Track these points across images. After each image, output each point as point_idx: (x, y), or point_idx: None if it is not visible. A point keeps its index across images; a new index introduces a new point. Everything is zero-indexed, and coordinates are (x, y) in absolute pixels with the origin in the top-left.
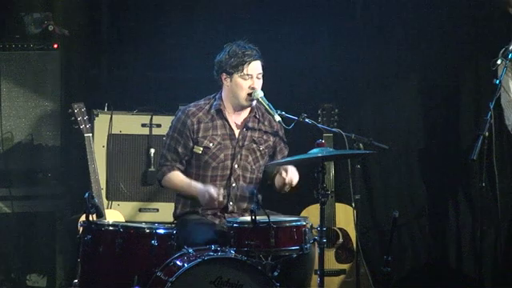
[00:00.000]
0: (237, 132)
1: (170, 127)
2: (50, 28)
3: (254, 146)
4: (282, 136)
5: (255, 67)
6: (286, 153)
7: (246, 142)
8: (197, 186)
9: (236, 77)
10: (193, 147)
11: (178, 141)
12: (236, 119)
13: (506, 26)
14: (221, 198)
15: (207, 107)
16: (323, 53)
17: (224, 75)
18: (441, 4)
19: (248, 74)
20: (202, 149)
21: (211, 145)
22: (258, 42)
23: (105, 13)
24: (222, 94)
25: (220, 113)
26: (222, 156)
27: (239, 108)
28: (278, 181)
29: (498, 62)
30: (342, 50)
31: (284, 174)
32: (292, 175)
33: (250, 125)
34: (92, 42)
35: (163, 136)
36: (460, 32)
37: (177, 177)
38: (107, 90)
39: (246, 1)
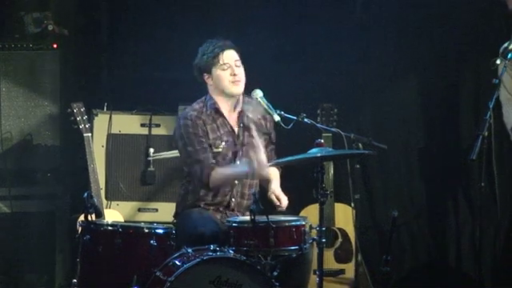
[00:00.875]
0: (235, 128)
1: (181, 138)
2: (50, 28)
3: (253, 140)
4: (273, 130)
5: (230, 55)
6: (273, 146)
7: (245, 139)
8: (240, 168)
9: (215, 70)
10: (210, 146)
11: (200, 141)
12: (231, 115)
13: (506, 25)
14: (264, 158)
15: (204, 109)
16: (323, 53)
17: (205, 75)
18: (441, 4)
19: (225, 63)
20: (221, 148)
21: (223, 144)
22: (258, 42)
23: (104, 12)
24: (211, 94)
25: (218, 111)
26: (230, 154)
27: (230, 101)
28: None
29: (498, 61)
30: (342, 49)
31: (277, 201)
32: (284, 203)
33: (245, 120)
34: (91, 42)
35: (162, 136)
36: (460, 32)
37: (220, 172)
38: (106, 89)
39: (246, 1)
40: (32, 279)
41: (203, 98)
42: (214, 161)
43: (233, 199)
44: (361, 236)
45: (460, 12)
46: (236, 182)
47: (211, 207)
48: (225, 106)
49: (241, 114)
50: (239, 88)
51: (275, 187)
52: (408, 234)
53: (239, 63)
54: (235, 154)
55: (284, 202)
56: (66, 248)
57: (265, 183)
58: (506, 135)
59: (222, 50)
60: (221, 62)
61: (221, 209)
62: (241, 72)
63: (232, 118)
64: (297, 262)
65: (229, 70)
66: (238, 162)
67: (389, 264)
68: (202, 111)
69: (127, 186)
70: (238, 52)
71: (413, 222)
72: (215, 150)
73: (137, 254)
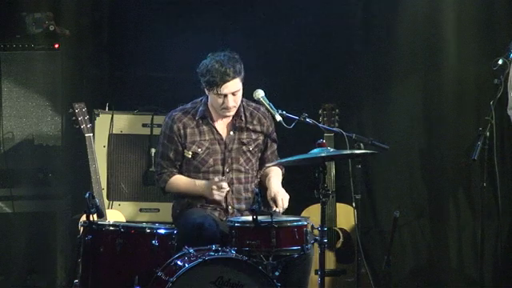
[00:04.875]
0: (224, 136)
1: (160, 134)
2: (51, 28)
3: (244, 147)
4: (272, 132)
5: (230, 87)
6: (275, 147)
7: (234, 146)
8: (201, 182)
9: (212, 93)
10: (183, 151)
11: (168, 147)
12: (221, 123)
13: (507, 25)
14: (225, 185)
15: (193, 112)
16: (324, 53)
17: (204, 85)
18: (440, 4)
19: (221, 94)
20: (191, 153)
21: (199, 150)
22: (258, 42)
23: (105, 13)
24: (208, 99)
25: (205, 119)
26: (211, 161)
27: (222, 116)
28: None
29: (500, 62)
30: (343, 49)
31: (273, 204)
32: (284, 203)
33: (237, 126)
34: (93, 42)
35: None
36: (460, 31)
37: (179, 180)
38: (108, 89)
39: (247, 1)
40: (33, 280)
41: (200, 98)
42: (176, 170)
43: (229, 206)
44: (362, 236)
45: (460, 11)
46: (227, 188)
47: (209, 207)
48: (216, 115)
49: (233, 122)
50: (230, 113)
51: (274, 187)
52: (409, 235)
53: (237, 93)
54: (223, 162)
55: (280, 205)
56: (67, 248)
57: (265, 181)
58: (507, 135)
59: (223, 82)
60: (218, 91)
61: (218, 208)
62: (235, 100)
63: (222, 125)
64: (298, 262)
65: (223, 99)
66: (227, 169)
67: (390, 264)
68: (189, 113)
69: (129, 186)
70: (241, 77)
71: (414, 223)
72: (186, 154)
73: (138, 254)
